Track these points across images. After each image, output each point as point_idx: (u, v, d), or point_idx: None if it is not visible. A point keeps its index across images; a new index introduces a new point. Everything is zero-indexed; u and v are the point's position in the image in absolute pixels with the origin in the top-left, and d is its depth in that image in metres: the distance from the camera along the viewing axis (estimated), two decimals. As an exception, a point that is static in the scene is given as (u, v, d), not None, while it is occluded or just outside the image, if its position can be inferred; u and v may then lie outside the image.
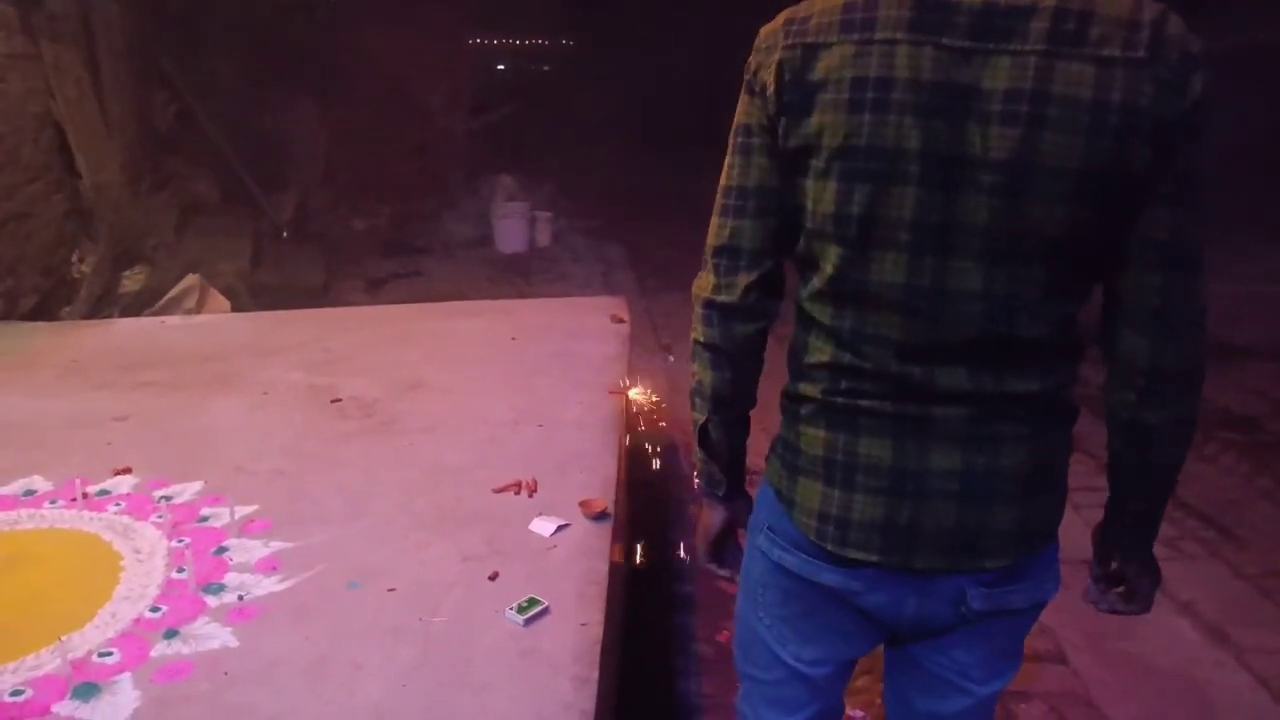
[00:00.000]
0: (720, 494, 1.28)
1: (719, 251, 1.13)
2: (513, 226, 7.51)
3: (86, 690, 1.28)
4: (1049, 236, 0.96)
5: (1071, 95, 0.91)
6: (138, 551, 1.64)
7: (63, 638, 1.37)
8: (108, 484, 1.90)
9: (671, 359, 4.84)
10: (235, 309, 4.44)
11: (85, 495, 1.83)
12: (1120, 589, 1.21)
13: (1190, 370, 1.04)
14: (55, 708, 1.25)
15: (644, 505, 2.93)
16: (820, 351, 1.09)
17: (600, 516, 1.73)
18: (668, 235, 8.13)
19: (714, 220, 1.14)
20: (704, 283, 1.16)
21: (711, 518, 1.29)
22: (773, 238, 1.10)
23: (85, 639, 1.39)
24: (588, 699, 1.26)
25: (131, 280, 4.38)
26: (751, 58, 1.07)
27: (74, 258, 4.16)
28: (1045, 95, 0.92)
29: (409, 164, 7.95)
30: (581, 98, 11.91)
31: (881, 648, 1.28)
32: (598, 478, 1.90)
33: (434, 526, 1.72)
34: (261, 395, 2.43)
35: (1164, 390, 1.04)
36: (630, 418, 2.73)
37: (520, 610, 1.43)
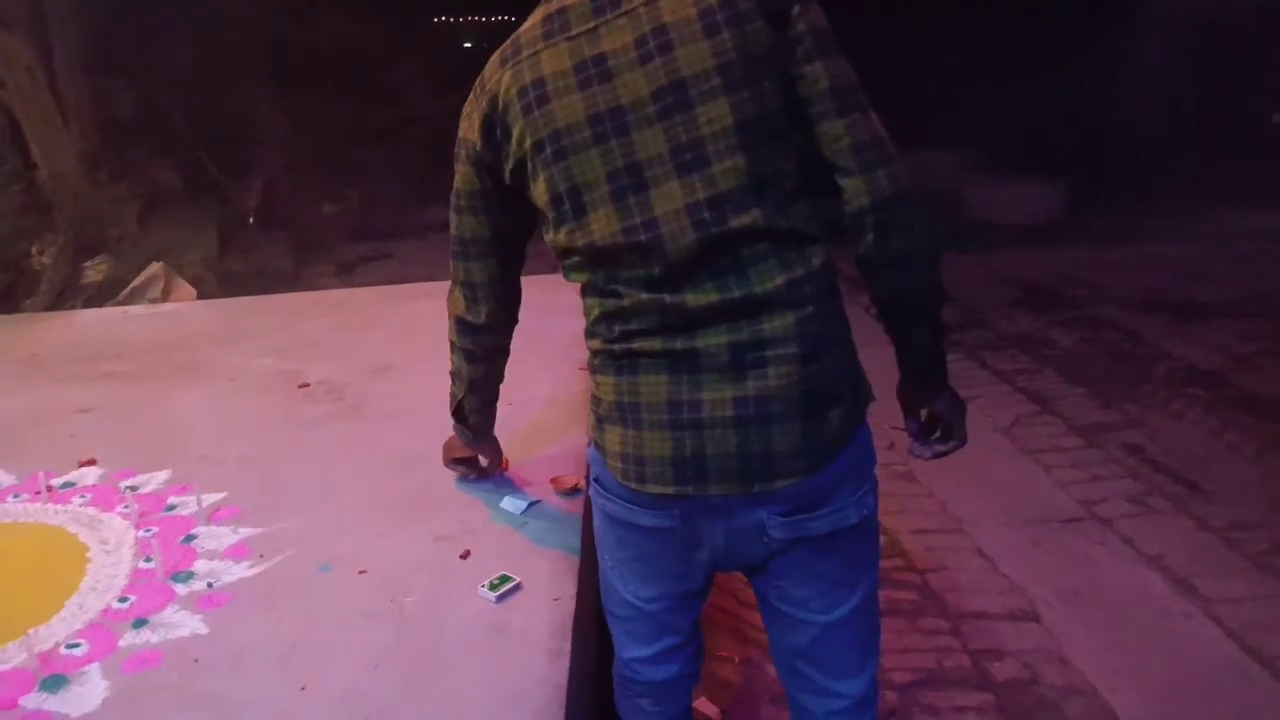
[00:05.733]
0: (470, 440, 1.68)
1: (463, 285, 1.42)
2: (483, 206, 7.43)
3: (54, 682, 1.27)
4: (724, 130, 1.09)
5: (681, 16, 1.09)
6: (104, 542, 1.62)
7: (29, 631, 1.36)
8: (72, 476, 1.87)
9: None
10: (202, 297, 4.39)
11: (49, 488, 1.81)
12: (937, 433, 1.34)
13: (906, 191, 1.14)
14: (23, 700, 1.24)
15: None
16: (593, 307, 1.23)
17: (572, 492, 1.73)
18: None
19: (452, 261, 1.41)
20: (457, 303, 1.45)
21: (460, 445, 1.72)
22: (500, 270, 1.38)
23: (52, 631, 1.38)
24: (561, 672, 1.27)
25: (94, 271, 4.31)
26: (460, 132, 1.28)
27: (33, 250, 4.09)
28: (662, 27, 1.10)
29: (377, 146, 7.86)
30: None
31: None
32: (569, 454, 1.90)
33: (405, 508, 1.71)
34: (229, 383, 2.41)
35: (894, 218, 1.14)
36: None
37: (492, 587, 1.43)
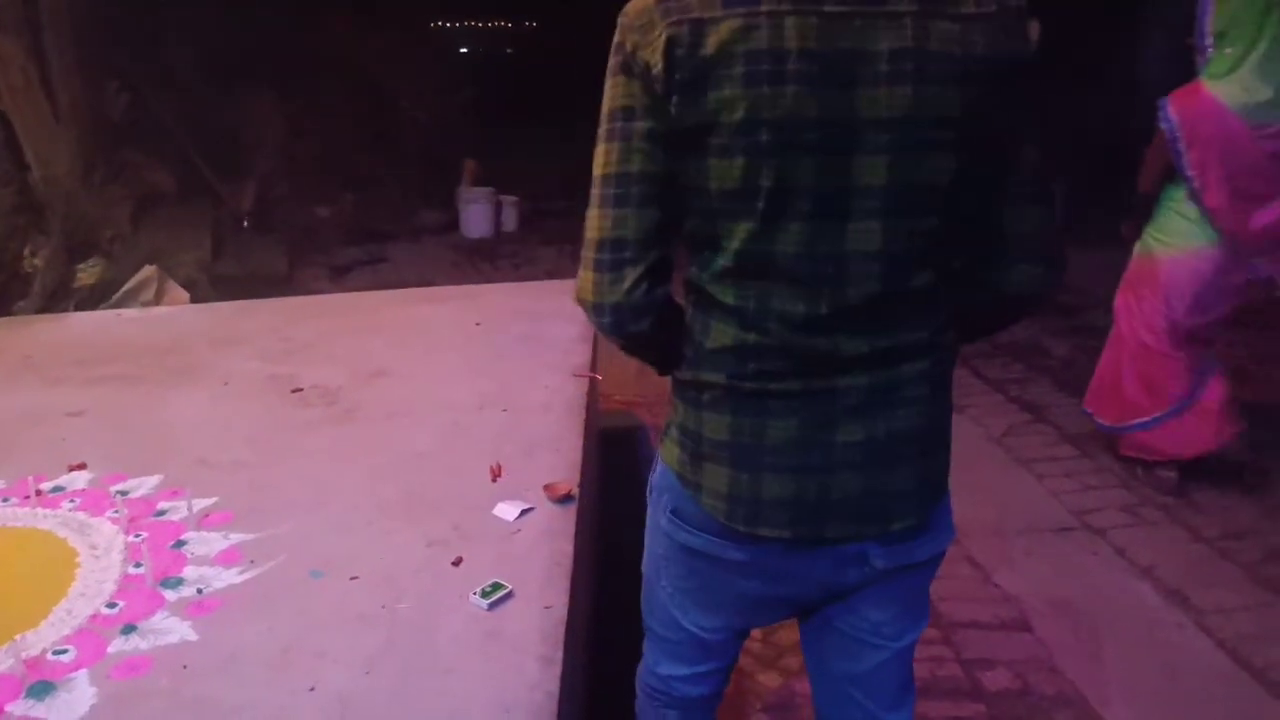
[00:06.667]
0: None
1: (602, 245, 1.08)
2: (478, 211, 7.45)
3: (41, 689, 1.26)
4: (940, 186, 1.02)
5: (945, 51, 0.98)
6: (94, 547, 1.61)
7: (16, 637, 1.35)
8: (62, 480, 1.86)
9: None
10: (195, 300, 4.37)
11: (38, 492, 1.79)
12: None
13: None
14: (9, 707, 1.23)
15: (614, 488, 2.93)
16: (723, 335, 1.09)
17: (565, 499, 1.73)
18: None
19: (592, 213, 1.08)
20: (585, 284, 1.11)
21: None
22: (658, 227, 1.06)
23: (40, 637, 1.36)
24: (552, 679, 1.26)
25: (87, 273, 4.29)
26: (622, 37, 1.03)
27: (26, 251, 4.07)
28: (924, 53, 0.98)
29: (371, 150, 7.85)
30: (545, 79, 11.82)
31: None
32: (563, 461, 1.90)
33: (398, 513, 1.71)
34: (222, 386, 2.40)
35: (1036, 308, 1.20)
36: (596, 400, 2.72)
37: (484, 594, 1.43)
